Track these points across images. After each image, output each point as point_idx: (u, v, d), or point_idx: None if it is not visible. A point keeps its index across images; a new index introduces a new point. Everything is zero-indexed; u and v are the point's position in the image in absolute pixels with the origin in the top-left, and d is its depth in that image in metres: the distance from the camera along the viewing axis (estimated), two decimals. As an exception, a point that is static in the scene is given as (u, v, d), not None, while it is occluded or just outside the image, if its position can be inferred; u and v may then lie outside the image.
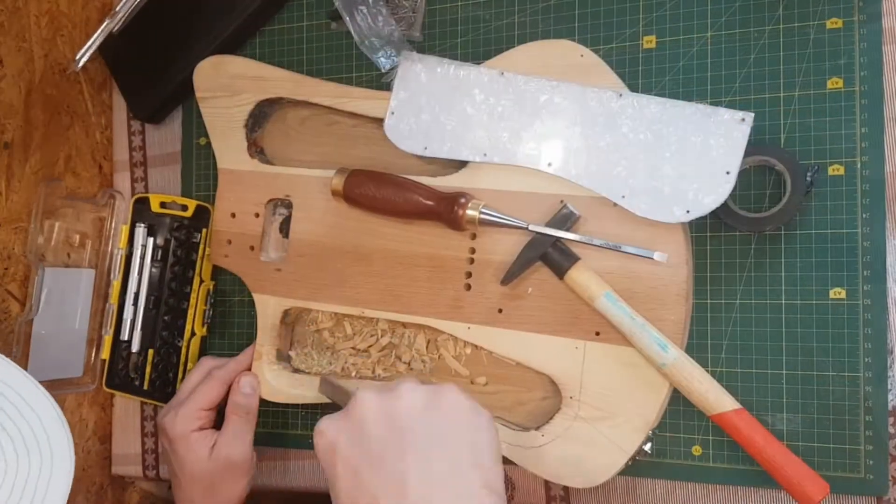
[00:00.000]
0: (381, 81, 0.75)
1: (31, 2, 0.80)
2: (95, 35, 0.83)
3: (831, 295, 0.63)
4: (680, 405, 0.66)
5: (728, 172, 0.62)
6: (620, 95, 0.66)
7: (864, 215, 0.62)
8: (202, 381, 0.74)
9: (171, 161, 0.86)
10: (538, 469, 0.67)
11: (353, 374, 0.76)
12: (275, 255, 0.78)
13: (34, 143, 0.80)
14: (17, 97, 0.78)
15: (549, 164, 0.67)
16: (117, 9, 0.83)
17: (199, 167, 0.84)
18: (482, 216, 0.67)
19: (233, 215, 0.79)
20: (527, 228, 0.67)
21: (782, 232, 0.64)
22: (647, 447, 0.67)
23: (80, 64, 0.82)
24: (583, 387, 0.66)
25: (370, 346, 0.76)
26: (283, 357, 0.78)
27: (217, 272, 0.82)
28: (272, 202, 0.78)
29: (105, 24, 0.83)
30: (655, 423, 0.66)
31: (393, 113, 0.72)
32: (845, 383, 0.62)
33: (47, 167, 0.82)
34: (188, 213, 0.81)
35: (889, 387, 0.61)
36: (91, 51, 0.83)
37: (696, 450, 0.66)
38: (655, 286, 0.65)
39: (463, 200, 0.67)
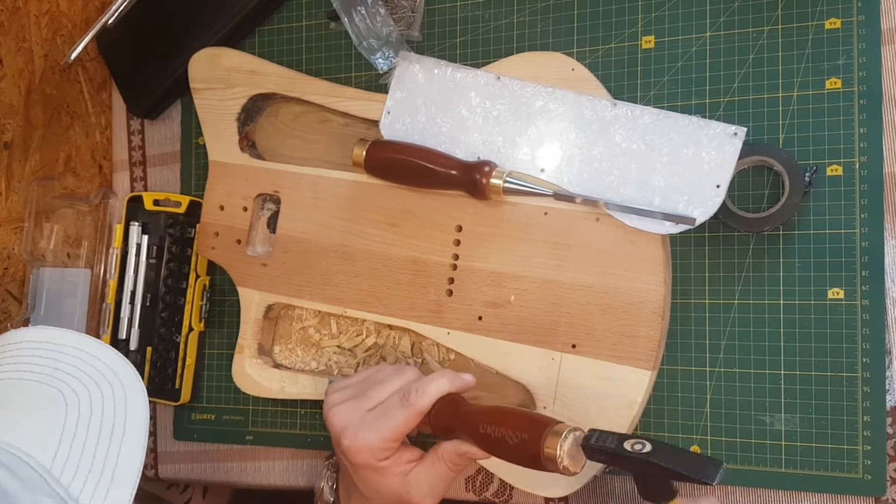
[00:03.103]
0: (378, 82, 0.75)
1: (31, 2, 0.80)
2: (90, 30, 0.83)
3: (829, 295, 0.63)
4: (678, 405, 0.66)
5: (718, 186, 0.62)
6: (615, 104, 0.65)
7: (862, 216, 0.62)
8: (398, 399, 0.62)
9: (171, 160, 0.86)
10: (506, 475, 0.68)
11: (336, 371, 0.76)
12: (261, 250, 0.78)
13: (34, 143, 0.81)
14: (17, 97, 0.79)
15: (542, 171, 0.67)
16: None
17: (199, 167, 0.84)
18: (507, 185, 0.66)
19: (221, 208, 0.79)
20: (551, 195, 0.66)
21: (781, 232, 0.64)
22: None
23: (73, 56, 0.81)
24: (556, 398, 0.66)
25: (355, 346, 0.76)
26: (265, 352, 0.78)
27: (213, 267, 0.82)
28: (261, 197, 0.78)
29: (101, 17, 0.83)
30: None
31: (389, 112, 0.72)
32: (843, 383, 0.62)
33: (47, 167, 0.82)
34: (182, 210, 0.82)
35: (887, 387, 0.61)
36: (84, 43, 0.82)
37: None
38: (632, 302, 0.64)
39: (487, 169, 0.66)
